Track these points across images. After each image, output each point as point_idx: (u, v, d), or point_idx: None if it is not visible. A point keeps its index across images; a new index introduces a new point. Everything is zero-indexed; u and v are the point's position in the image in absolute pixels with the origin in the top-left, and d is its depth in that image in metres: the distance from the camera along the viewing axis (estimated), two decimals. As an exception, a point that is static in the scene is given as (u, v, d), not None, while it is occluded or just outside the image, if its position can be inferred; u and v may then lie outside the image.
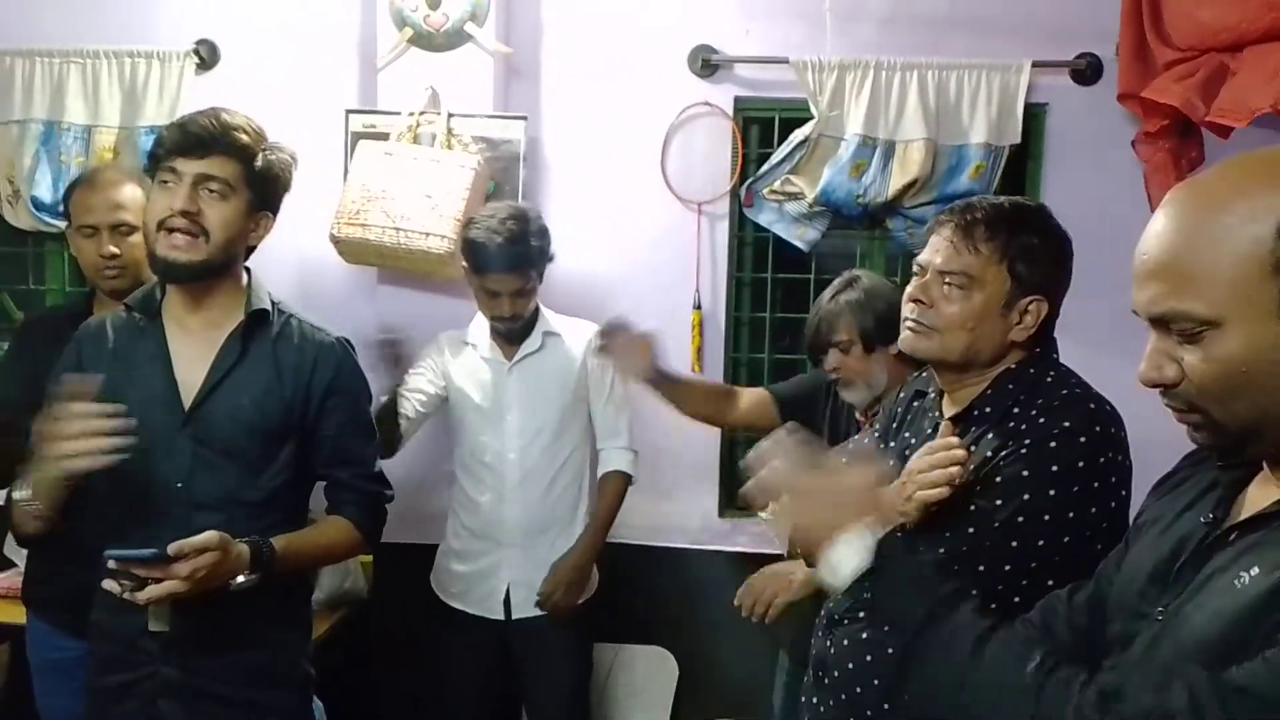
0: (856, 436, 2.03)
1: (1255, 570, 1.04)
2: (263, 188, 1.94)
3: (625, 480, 2.95)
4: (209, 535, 1.74)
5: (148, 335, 1.98)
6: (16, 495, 1.83)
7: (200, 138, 1.87)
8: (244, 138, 1.90)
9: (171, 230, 1.86)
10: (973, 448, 1.68)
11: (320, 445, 2.02)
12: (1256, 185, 1.04)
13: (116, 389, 1.92)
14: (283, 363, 1.98)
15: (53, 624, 2.52)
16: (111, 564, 1.72)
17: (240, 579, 1.81)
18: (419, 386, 2.83)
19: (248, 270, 2.05)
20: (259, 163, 1.92)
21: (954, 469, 1.59)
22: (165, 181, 1.88)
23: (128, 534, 1.89)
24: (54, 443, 1.69)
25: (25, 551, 2.73)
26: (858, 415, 2.61)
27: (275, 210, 2.01)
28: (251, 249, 2.02)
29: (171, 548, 1.70)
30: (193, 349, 1.96)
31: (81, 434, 1.69)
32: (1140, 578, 1.23)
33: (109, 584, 1.73)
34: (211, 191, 1.87)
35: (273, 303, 2.03)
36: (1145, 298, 1.09)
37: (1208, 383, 1.06)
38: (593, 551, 2.89)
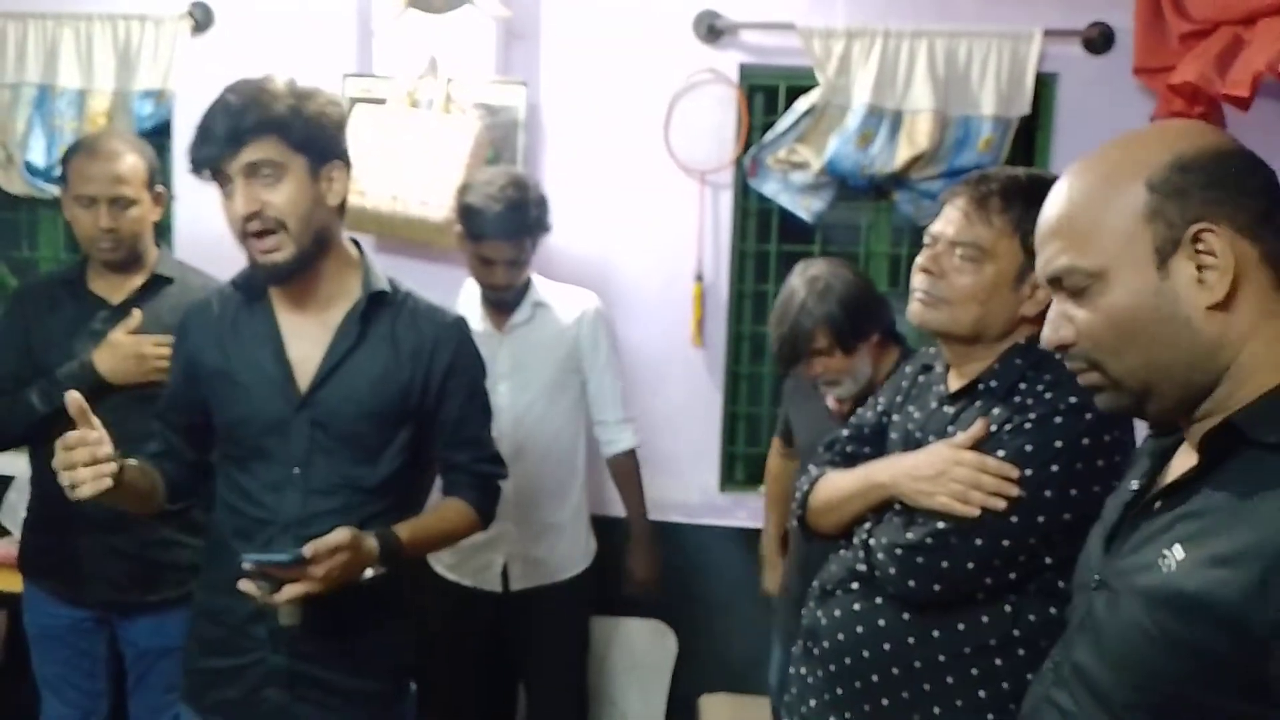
0: (856, 417, 1.99)
1: (1179, 551, 1.06)
2: (313, 142, 1.82)
3: (634, 456, 2.94)
4: (340, 534, 1.71)
5: (257, 315, 1.92)
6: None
7: (224, 135, 1.77)
8: (271, 109, 1.77)
9: (252, 235, 1.80)
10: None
11: (441, 429, 1.98)
12: (1138, 148, 1.14)
13: (228, 369, 1.91)
14: (402, 345, 1.92)
15: (48, 591, 2.53)
16: (248, 566, 1.70)
17: (369, 572, 1.78)
18: None
19: (358, 245, 1.99)
20: (295, 122, 1.79)
21: (998, 501, 1.57)
22: (223, 185, 1.80)
23: (244, 518, 1.89)
24: (63, 472, 1.64)
25: (21, 519, 2.72)
26: (830, 404, 2.58)
27: (342, 155, 1.89)
28: (342, 207, 1.92)
29: (306, 550, 1.67)
30: (306, 329, 1.90)
31: (88, 462, 1.63)
32: (1090, 550, 1.29)
33: (246, 586, 1.71)
34: (265, 176, 1.78)
35: (390, 282, 1.97)
36: (1042, 260, 1.19)
37: (1098, 335, 1.13)
38: (647, 533, 2.95)
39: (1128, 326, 1.11)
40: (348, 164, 1.91)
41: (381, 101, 3.07)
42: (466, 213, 2.66)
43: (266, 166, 1.78)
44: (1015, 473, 1.57)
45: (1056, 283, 1.17)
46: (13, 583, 2.77)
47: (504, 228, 2.62)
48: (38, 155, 3.22)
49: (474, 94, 3.09)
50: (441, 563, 2.90)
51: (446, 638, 2.90)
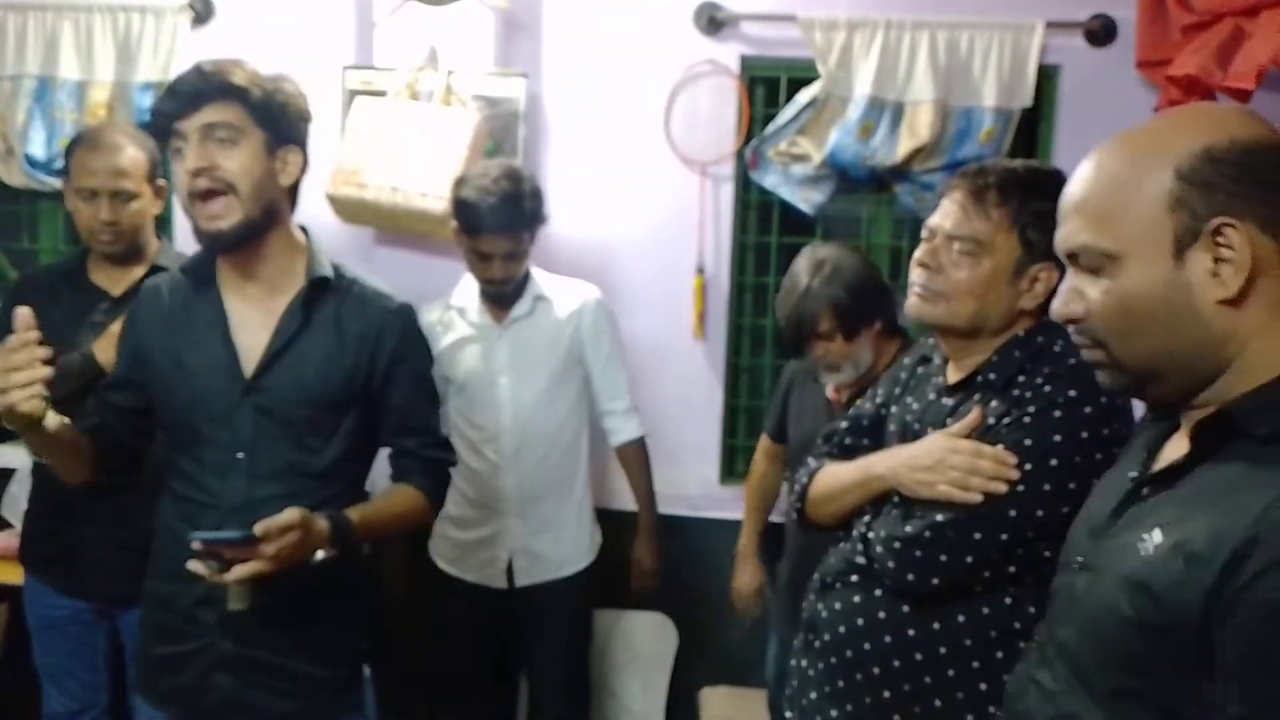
0: (855, 409, 1.99)
1: (1157, 534, 1.08)
2: (273, 121, 1.84)
3: (643, 443, 2.93)
4: (291, 514, 1.70)
5: (204, 301, 1.92)
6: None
7: (189, 92, 1.80)
8: (234, 78, 1.81)
9: (199, 196, 1.80)
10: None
11: (388, 415, 1.98)
12: (1169, 133, 1.13)
13: (175, 354, 1.90)
14: (346, 331, 1.92)
15: (48, 583, 2.55)
16: (197, 545, 1.70)
17: (320, 554, 1.78)
18: None
19: (306, 231, 1.99)
20: (258, 95, 1.82)
21: (999, 484, 1.57)
22: (177, 149, 1.81)
23: (189, 503, 1.89)
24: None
25: (22, 511, 2.73)
26: (829, 394, 2.58)
27: (300, 142, 1.91)
28: (294, 192, 1.94)
29: (257, 528, 1.67)
30: (252, 316, 1.91)
31: (23, 367, 1.62)
32: (1076, 534, 1.30)
33: (195, 566, 1.71)
34: (221, 140, 1.79)
35: (335, 267, 1.97)
36: (1061, 234, 1.20)
37: (1108, 315, 1.14)
38: (653, 528, 2.95)
39: (1136, 311, 1.11)
40: (305, 154, 1.92)
41: (382, 93, 3.06)
42: (461, 207, 2.63)
43: (223, 129, 1.80)
44: (1013, 459, 1.58)
45: (1073, 258, 1.18)
46: (13, 575, 2.78)
47: (499, 221, 2.60)
48: (38, 147, 3.21)
49: (474, 86, 3.09)
50: (445, 558, 2.90)
51: (450, 633, 2.91)
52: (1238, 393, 1.10)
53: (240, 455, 1.87)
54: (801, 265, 2.46)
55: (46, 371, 1.64)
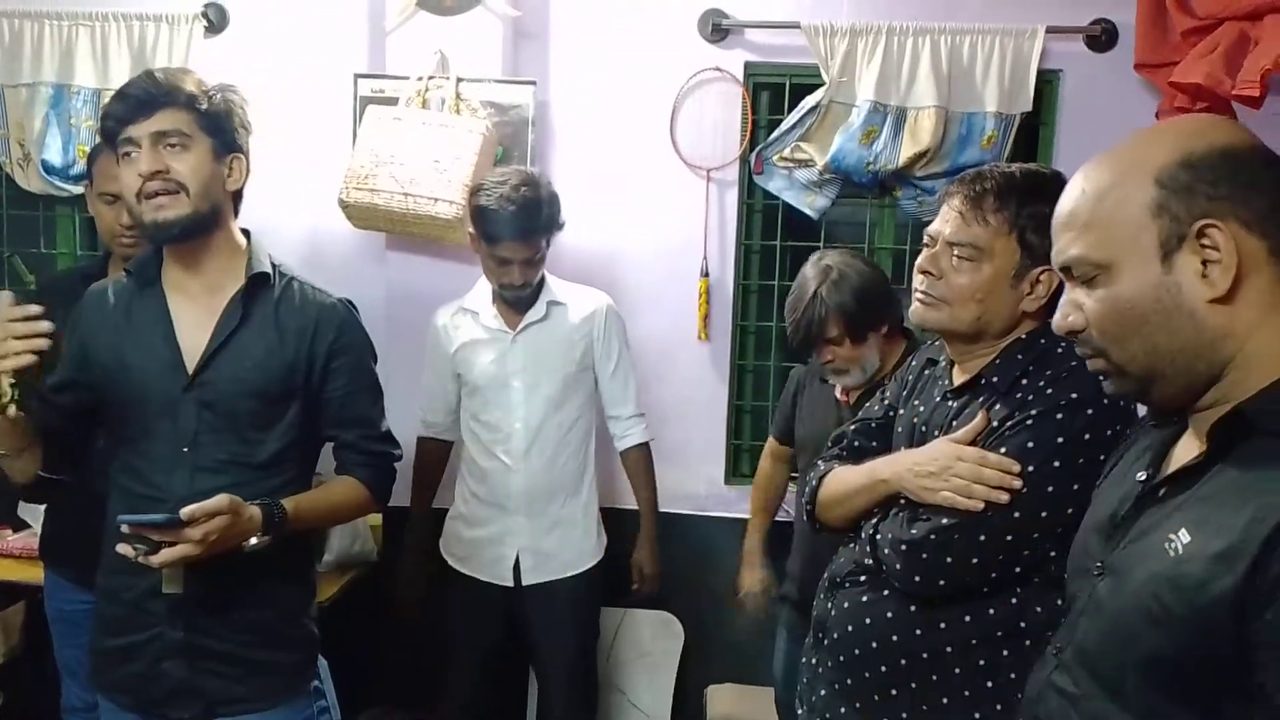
0: (864, 411, 2.03)
1: (1185, 535, 1.09)
2: (220, 130, 1.92)
3: (646, 449, 2.98)
4: (220, 499, 1.75)
5: (149, 300, 1.98)
6: None
7: (141, 99, 1.86)
8: (185, 87, 1.88)
9: (149, 196, 1.86)
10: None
11: (327, 407, 2.03)
12: (1150, 144, 1.17)
13: (120, 353, 1.95)
14: (285, 326, 1.98)
15: (66, 577, 2.59)
16: (125, 529, 1.74)
17: (253, 541, 1.83)
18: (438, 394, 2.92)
19: (247, 234, 2.04)
20: (206, 106, 1.89)
21: (1001, 494, 1.60)
22: (127, 154, 1.87)
23: (134, 497, 1.93)
24: None
25: (40, 511, 2.78)
26: (838, 395, 2.63)
27: (244, 151, 1.98)
28: (238, 197, 2.00)
29: (184, 512, 1.71)
30: (194, 313, 1.96)
31: (19, 335, 1.68)
32: (1087, 539, 1.31)
33: (123, 548, 1.75)
34: (172, 146, 1.86)
35: (273, 265, 2.03)
36: (1055, 250, 1.23)
37: (1104, 323, 1.17)
38: (654, 536, 2.99)
39: (1131, 316, 1.14)
40: (248, 159, 1.99)
41: (393, 101, 3.10)
42: (480, 215, 2.67)
43: (175, 136, 1.86)
44: (1017, 467, 1.59)
45: (1068, 271, 1.21)
46: (32, 573, 2.84)
47: (520, 228, 2.64)
48: (54, 154, 3.26)
49: (483, 93, 3.13)
50: (455, 556, 2.94)
51: (459, 629, 2.94)
52: (1246, 390, 1.12)
53: (185, 449, 1.92)
54: (809, 272, 2.50)
55: (30, 359, 1.69)
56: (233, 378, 1.93)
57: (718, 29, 3.19)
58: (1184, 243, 1.11)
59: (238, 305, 1.96)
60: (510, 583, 2.86)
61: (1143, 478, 1.24)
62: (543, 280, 2.82)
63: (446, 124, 3.03)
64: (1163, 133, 1.19)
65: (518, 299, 2.78)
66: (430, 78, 3.10)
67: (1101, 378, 1.22)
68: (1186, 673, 1.08)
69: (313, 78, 3.22)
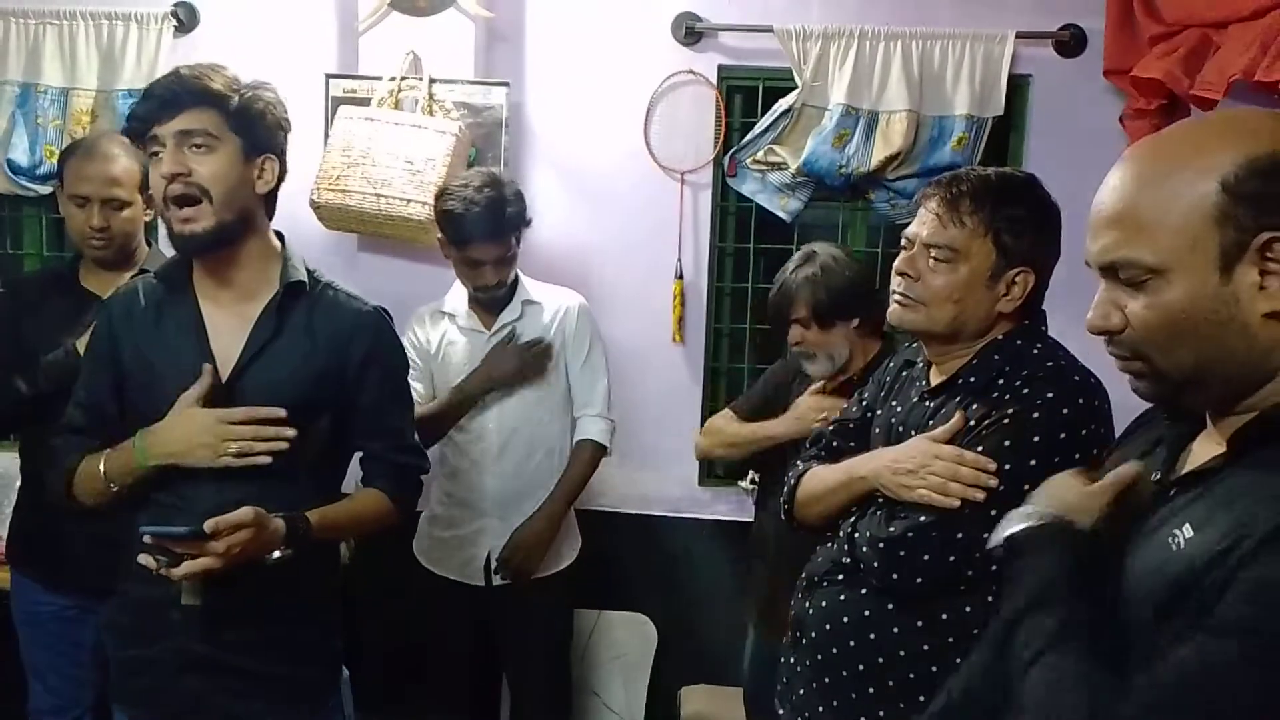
0: (842, 412, 2.04)
1: (1189, 530, 1.07)
2: (250, 130, 1.85)
3: (597, 449, 2.89)
4: (244, 511, 1.71)
5: (180, 306, 1.92)
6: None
7: (166, 97, 1.81)
8: (213, 84, 1.82)
9: (172, 200, 1.81)
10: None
11: (357, 417, 1.98)
12: (1208, 142, 1.09)
13: (149, 359, 1.90)
14: (319, 335, 1.92)
15: (33, 578, 2.57)
16: (147, 539, 1.71)
17: (276, 554, 1.78)
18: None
19: (281, 237, 1.99)
20: (236, 104, 1.83)
21: (977, 492, 1.61)
22: (154, 153, 1.82)
23: (163, 507, 1.88)
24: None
25: (7, 515, 2.75)
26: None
27: (277, 151, 1.91)
28: (272, 199, 1.94)
29: (207, 524, 1.68)
30: (227, 321, 1.91)
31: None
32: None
33: (145, 559, 1.72)
34: (197, 147, 1.80)
35: (308, 271, 1.98)
36: (1098, 247, 1.15)
37: (1151, 329, 1.11)
38: (555, 519, 2.83)
39: (1182, 325, 1.09)
40: (283, 162, 1.93)
41: (365, 101, 3.09)
42: (447, 219, 2.66)
43: (200, 136, 1.80)
44: (993, 465, 1.61)
45: (1109, 271, 1.14)
46: (-1, 578, 2.81)
47: (487, 229, 2.63)
48: (20, 154, 3.22)
49: (457, 94, 3.12)
50: (427, 557, 2.92)
51: (430, 630, 2.93)
52: (1275, 400, 1.09)
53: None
54: (794, 257, 2.56)
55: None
56: (266, 388, 1.88)
57: (691, 32, 3.20)
58: (1245, 253, 1.06)
59: (272, 314, 1.91)
60: (481, 582, 2.85)
61: (1157, 476, 1.21)
62: (517, 280, 2.82)
63: (419, 125, 3.03)
64: (1221, 130, 1.12)
65: (493, 300, 2.77)
66: (403, 78, 3.09)
67: (1135, 379, 1.17)
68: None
69: (284, 78, 3.13)
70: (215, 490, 1.84)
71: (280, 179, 1.93)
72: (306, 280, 1.95)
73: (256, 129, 1.87)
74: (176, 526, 1.73)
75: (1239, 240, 1.05)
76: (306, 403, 1.90)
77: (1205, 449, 1.17)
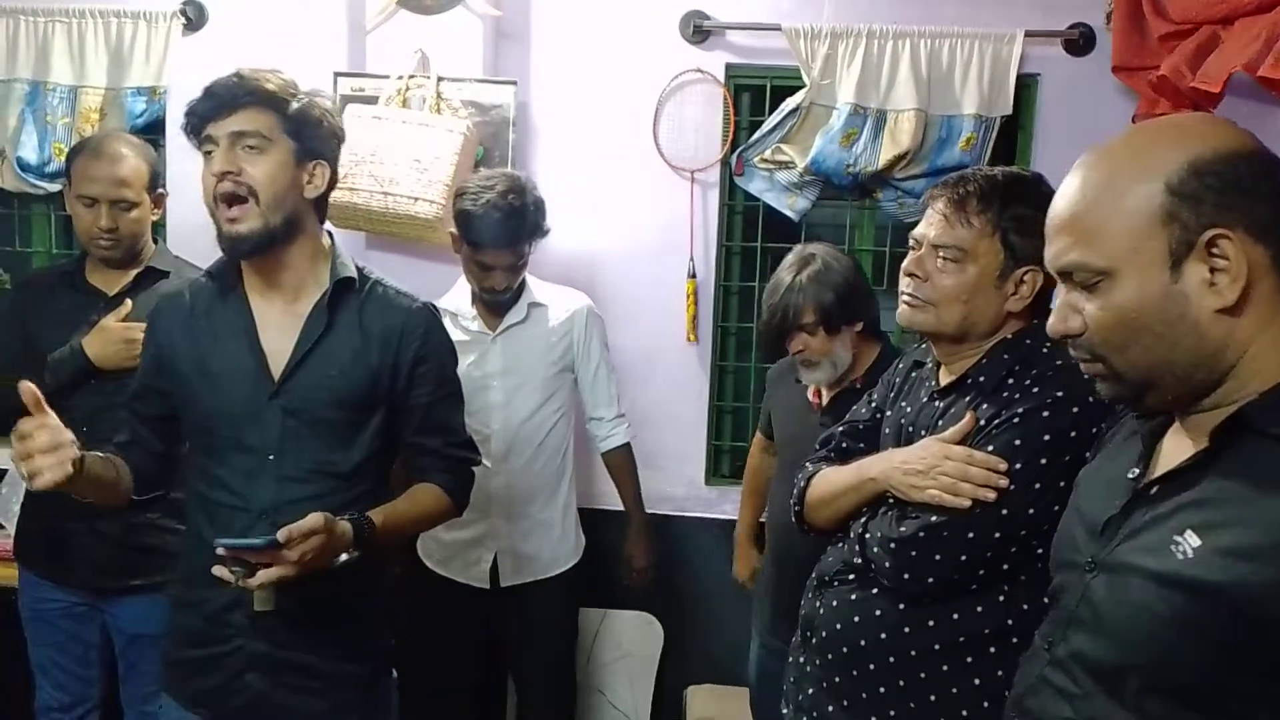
0: (851, 414, 2.03)
1: (1193, 538, 1.08)
2: (304, 134, 1.86)
3: (630, 449, 2.98)
4: (315, 518, 1.72)
5: (230, 305, 1.94)
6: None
7: (224, 96, 1.82)
8: (269, 86, 1.84)
9: (221, 199, 1.82)
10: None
11: (410, 414, 1.99)
12: (1153, 145, 1.14)
13: (201, 360, 1.92)
14: (370, 332, 1.94)
15: (40, 575, 2.58)
16: (221, 551, 1.72)
17: (343, 556, 1.80)
18: None
19: (330, 235, 2.01)
20: (292, 108, 1.85)
21: (987, 492, 1.61)
22: (208, 152, 1.84)
23: (218, 506, 1.90)
24: (19, 462, 1.64)
25: (14, 512, 2.76)
26: (809, 396, 2.62)
27: (329, 158, 1.93)
28: (322, 204, 1.96)
29: (281, 534, 1.69)
30: (278, 319, 1.92)
31: (46, 449, 1.64)
32: (1073, 531, 1.30)
33: (220, 571, 1.73)
34: (250, 148, 1.81)
35: (358, 268, 1.99)
36: (1052, 252, 1.20)
37: (1105, 330, 1.15)
38: (644, 525, 3.02)
39: (1134, 324, 1.12)
40: (334, 169, 1.95)
41: (373, 100, 3.09)
42: (465, 219, 2.65)
43: (253, 137, 1.82)
44: (1003, 465, 1.61)
45: (1066, 275, 1.18)
46: (3, 575, 2.82)
47: (505, 235, 2.62)
48: (29, 151, 3.23)
49: (464, 93, 3.12)
50: (431, 558, 2.92)
51: (437, 632, 2.93)
52: (1249, 393, 1.10)
53: (270, 458, 1.89)
54: (791, 260, 2.51)
55: (68, 438, 1.66)
56: (319, 385, 1.89)
57: (699, 30, 3.19)
58: (1192, 251, 1.09)
59: (322, 311, 1.92)
60: (487, 585, 2.85)
61: (1133, 475, 1.23)
62: (523, 282, 2.81)
63: (427, 123, 3.02)
64: (1164, 133, 1.16)
65: (498, 302, 2.77)
66: (411, 77, 3.09)
67: (1096, 381, 1.20)
68: (1195, 674, 1.07)
69: (291, 75, 3.19)
70: (274, 488, 1.88)
71: (331, 185, 1.95)
72: (356, 277, 1.96)
73: (310, 134, 1.88)
74: (251, 538, 1.74)
75: (1186, 239, 1.09)
76: (360, 399, 1.92)
77: (1178, 444, 1.19)
